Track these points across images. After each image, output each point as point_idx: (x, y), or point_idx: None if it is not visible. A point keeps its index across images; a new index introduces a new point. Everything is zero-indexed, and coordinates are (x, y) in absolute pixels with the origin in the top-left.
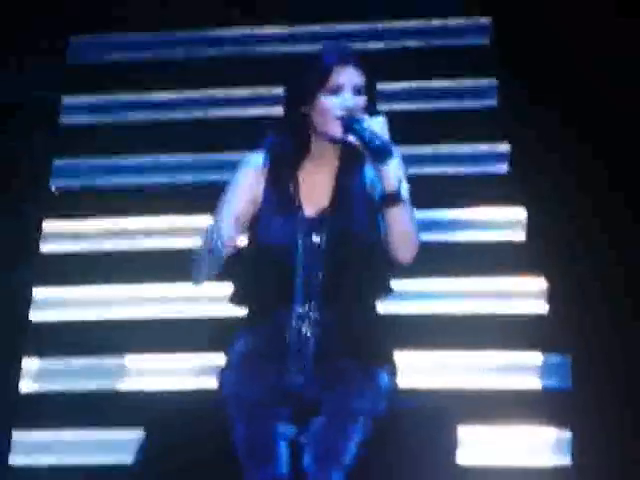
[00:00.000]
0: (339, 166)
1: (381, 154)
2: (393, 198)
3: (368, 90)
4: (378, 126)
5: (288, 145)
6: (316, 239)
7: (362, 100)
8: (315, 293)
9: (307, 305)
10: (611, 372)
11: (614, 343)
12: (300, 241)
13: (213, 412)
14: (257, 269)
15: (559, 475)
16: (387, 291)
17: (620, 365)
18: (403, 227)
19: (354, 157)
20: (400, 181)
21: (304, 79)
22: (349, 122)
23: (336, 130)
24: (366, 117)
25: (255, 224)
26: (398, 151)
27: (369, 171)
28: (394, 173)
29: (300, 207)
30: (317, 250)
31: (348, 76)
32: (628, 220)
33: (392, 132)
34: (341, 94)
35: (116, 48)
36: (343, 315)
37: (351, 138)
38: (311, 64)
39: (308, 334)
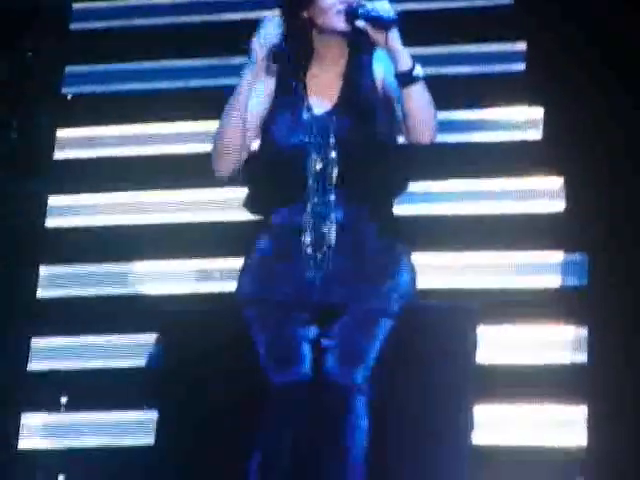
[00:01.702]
0: (346, 64)
1: (392, 28)
2: (409, 76)
3: None
4: (383, 7)
5: (293, 50)
6: (327, 137)
7: None
8: (329, 191)
9: (322, 203)
10: (628, 268)
11: (631, 241)
12: (312, 140)
13: (231, 316)
14: (270, 171)
15: (577, 372)
16: (402, 189)
17: (637, 261)
18: (420, 105)
19: (361, 54)
20: (414, 60)
21: None
22: (353, 10)
23: (340, 24)
24: (367, 3)
25: (266, 126)
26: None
27: (378, 67)
28: (407, 52)
29: (309, 106)
30: (329, 148)
31: None
32: None
33: (407, 32)
34: None
35: None
36: (359, 213)
37: (359, 23)
38: None
39: (324, 232)
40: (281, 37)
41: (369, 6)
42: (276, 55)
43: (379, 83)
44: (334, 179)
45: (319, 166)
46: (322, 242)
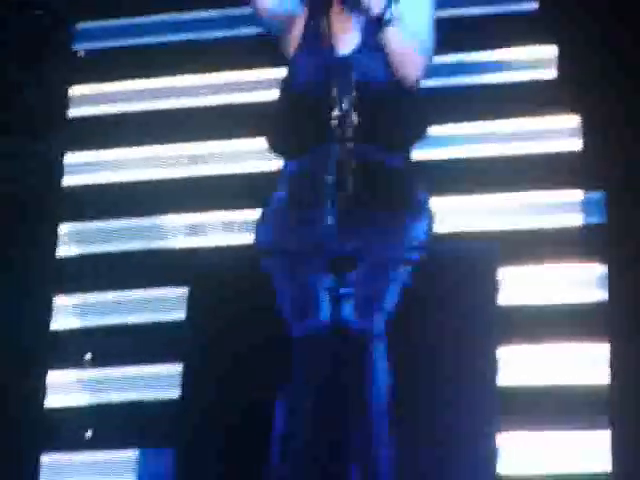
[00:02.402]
0: None
1: None
2: (380, 20)
3: None
4: None
5: None
6: (350, 78)
7: None
8: (350, 134)
9: (341, 148)
10: None
11: None
12: (335, 80)
13: (252, 267)
14: (293, 114)
15: (598, 310)
16: (421, 136)
17: None
18: (397, 46)
19: None
20: (387, 3)
21: None
22: None
23: None
24: None
25: (288, 69)
26: None
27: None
28: None
29: (332, 46)
30: (351, 89)
31: None
32: None
33: None
34: None
35: None
36: (379, 157)
37: None
38: None
39: (343, 178)
40: None
41: None
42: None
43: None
44: (353, 122)
45: (341, 108)
46: (340, 188)
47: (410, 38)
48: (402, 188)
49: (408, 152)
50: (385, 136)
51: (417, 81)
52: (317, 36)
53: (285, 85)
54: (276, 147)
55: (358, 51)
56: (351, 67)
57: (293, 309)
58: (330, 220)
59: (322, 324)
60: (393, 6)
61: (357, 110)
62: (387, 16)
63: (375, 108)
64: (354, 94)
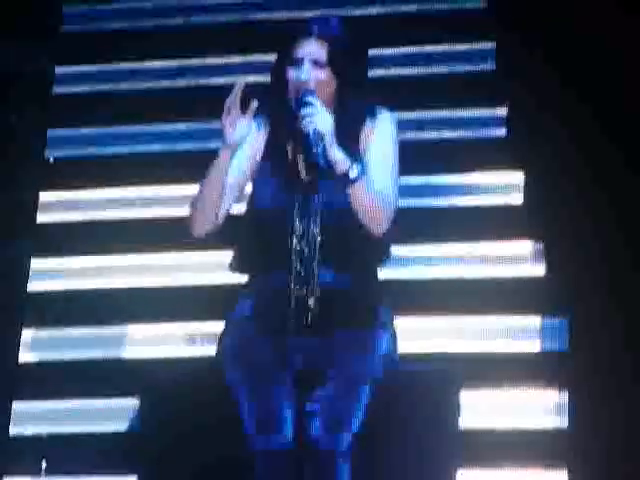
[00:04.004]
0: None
1: (313, 146)
2: (345, 178)
3: (340, 61)
4: (321, 119)
5: (279, 111)
6: (313, 203)
7: (322, 73)
8: (312, 257)
9: (304, 269)
10: (609, 334)
11: (612, 305)
12: (297, 204)
13: (212, 379)
14: (254, 234)
15: (557, 437)
16: (386, 256)
17: (618, 327)
18: (362, 203)
19: (346, 118)
20: (350, 161)
21: (278, 50)
22: (298, 102)
23: (293, 103)
24: (316, 105)
25: (253, 188)
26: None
27: (363, 133)
28: (342, 156)
29: (295, 170)
30: (314, 214)
31: (308, 49)
32: (628, 181)
33: (391, 97)
34: (301, 66)
35: (109, 17)
36: (341, 280)
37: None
38: (286, 35)
39: (305, 298)
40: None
41: (308, 110)
42: (265, 116)
43: (362, 148)
44: (318, 245)
45: (303, 231)
46: (301, 307)
47: (375, 195)
48: (366, 306)
49: (373, 274)
50: (348, 259)
51: (382, 232)
52: (281, 160)
53: (249, 205)
54: (239, 263)
55: (322, 176)
56: (314, 190)
57: (256, 425)
58: (295, 338)
59: (284, 442)
60: (357, 165)
61: (320, 231)
62: (352, 174)
63: (338, 230)
64: (317, 217)
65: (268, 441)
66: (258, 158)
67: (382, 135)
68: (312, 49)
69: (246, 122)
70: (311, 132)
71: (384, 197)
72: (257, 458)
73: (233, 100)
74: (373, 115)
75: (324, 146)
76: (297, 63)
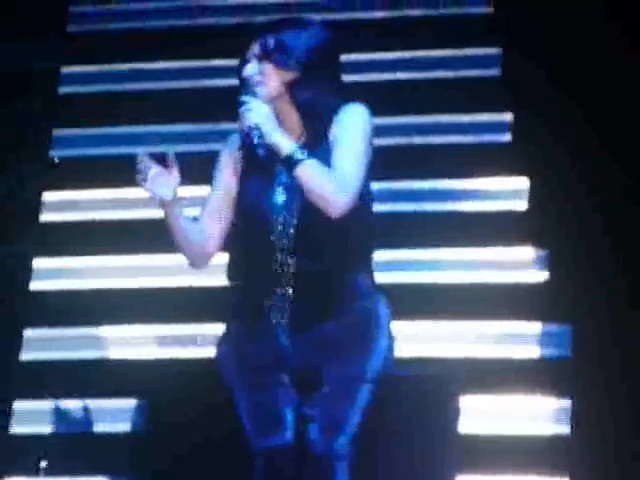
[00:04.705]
0: (304, 133)
1: (252, 138)
2: (291, 160)
3: (291, 53)
4: (255, 111)
5: None
6: (286, 197)
7: (266, 65)
8: (289, 250)
9: (283, 264)
10: (611, 341)
11: (614, 312)
12: (272, 201)
13: (212, 380)
14: (240, 239)
15: (559, 443)
16: (367, 261)
17: (620, 334)
18: (311, 185)
19: (316, 121)
20: (294, 145)
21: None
22: (237, 102)
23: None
24: (249, 101)
25: (236, 200)
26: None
27: (332, 134)
28: (284, 139)
29: (276, 173)
30: (287, 209)
31: (256, 45)
32: (633, 188)
33: (395, 101)
34: (246, 64)
35: (116, 17)
36: (320, 269)
37: None
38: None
39: (285, 291)
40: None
41: (243, 109)
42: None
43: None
44: (293, 238)
45: (280, 226)
46: (287, 302)
47: (326, 176)
48: (364, 308)
49: (367, 274)
50: (324, 250)
51: (340, 213)
52: (261, 161)
53: (235, 211)
54: (229, 267)
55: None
56: (295, 193)
57: (256, 425)
58: (288, 340)
59: (285, 441)
60: (300, 148)
61: (296, 225)
62: (296, 156)
63: (313, 222)
64: (294, 219)
65: (267, 441)
66: (235, 172)
67: (346, 124)
68: (259, 44)
69: (167, 173)
70: (246, 127)
71: (339, 179)
72: (256, 459)
73: (143, 169)
74: (340, 108)
75: (261, 135)
76: (246, 62)
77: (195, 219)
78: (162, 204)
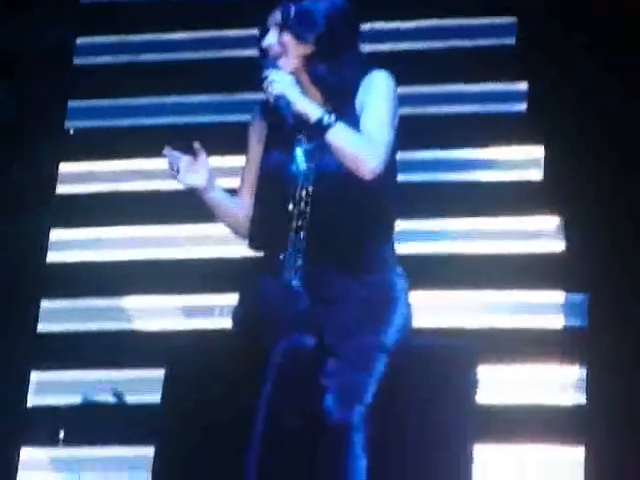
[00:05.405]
0: (327, 105)
1: (280, 109)
2: (321, 125)
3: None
4: (278, 81)
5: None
6: (306, 167)
7: (286, 37)
8: (305, 220)
9: (298, 234)
10: (628, 310)
11: (632, 282)
12: (292, 171)
13: (232, 351)
14: (261, 206)
15: (575, 413)
16: (387, 230)
17: (638, 304)
18: (342, 148)
19: (340, 92)
20: (322, 110)
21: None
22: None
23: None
24: (270, 72)
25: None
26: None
27: (358, 102)
28: (312, 106)
29: (300, 140)
30: (306, 178)
31: (277, 12)
32: None
33: (412, 70)
34: (266, 35)
35: None
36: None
37: None
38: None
39: (310, 269)
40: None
41: (266, 81)
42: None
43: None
44: (309, 208)
45: (298, 197)
46: (310, 279)
47: (358, 137)
48: (381, 278)
49: (389, 242)
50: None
51: (373, 175)
52: (283, 129)
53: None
54: (251, 237)
55: (322, 144)
56: (315, 160)
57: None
58: (307, 306)
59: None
60: (329, 113)
61: (312, 194)
62: (326, 120)
63: (330, 193)
64: (311, 187)
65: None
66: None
67: (372, 90)
68: (277, 15)
69: (196, 162)
70: (272, 99)
71: (370, 142)
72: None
73: (171, 162)
74: (364, 77)
75: (287, 104)
76: (266, 30)
77: (233, 193)
78: (198, 192)
